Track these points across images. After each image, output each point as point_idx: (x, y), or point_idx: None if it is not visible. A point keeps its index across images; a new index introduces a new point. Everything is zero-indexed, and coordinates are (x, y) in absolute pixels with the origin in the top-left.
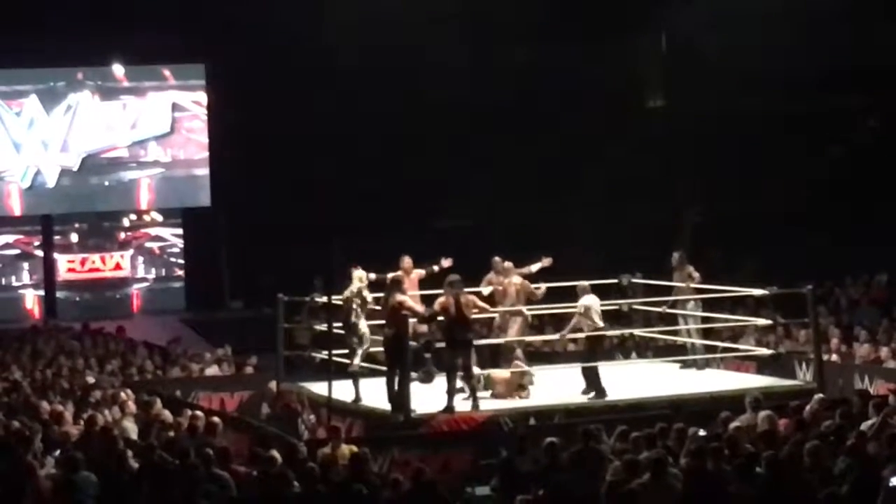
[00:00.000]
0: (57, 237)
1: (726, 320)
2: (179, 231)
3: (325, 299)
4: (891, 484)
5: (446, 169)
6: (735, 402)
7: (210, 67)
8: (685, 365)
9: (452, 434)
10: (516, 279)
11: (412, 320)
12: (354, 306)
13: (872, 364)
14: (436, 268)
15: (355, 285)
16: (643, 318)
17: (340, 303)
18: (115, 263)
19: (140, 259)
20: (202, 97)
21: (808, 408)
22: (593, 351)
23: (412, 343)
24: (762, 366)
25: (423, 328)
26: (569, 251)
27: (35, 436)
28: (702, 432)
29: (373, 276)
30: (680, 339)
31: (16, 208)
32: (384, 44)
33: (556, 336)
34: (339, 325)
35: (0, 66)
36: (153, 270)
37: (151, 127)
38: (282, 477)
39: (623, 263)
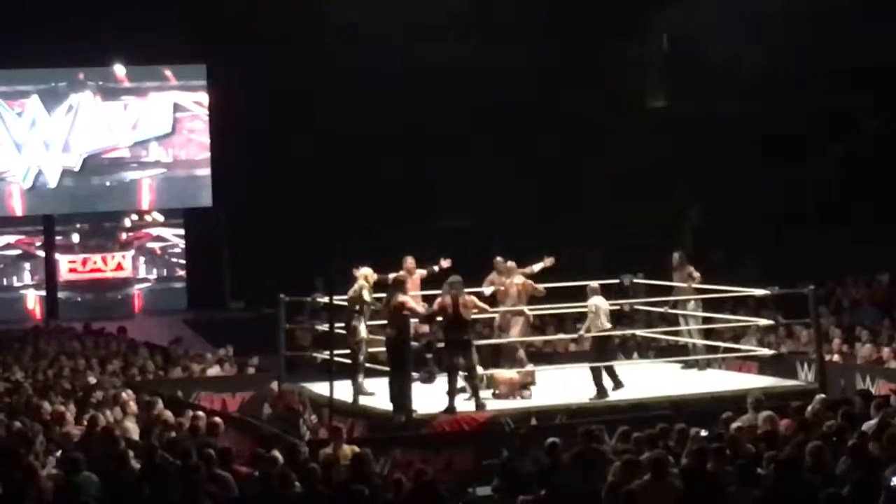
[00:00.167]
0: (58, 237)
1: (728, 320)
2: (181, 231)
3: (326, 299)
4: (892, 484)
5: (446, 169)
6: (736, 403)
7: (211, 68)
8: (686, 365)
9: (454, 435)
10: (518, 279)
11: (413, 321)
12: (356, 308)
13: (874, 364)
14: (436, 268)
15: (358, 285)
16: (644, 318)
17: (342, 303)
18: (117, 264)
19: (141, 259)
20: (203, 97)
21: (809, 408)
22: (601, 351)
23: (413, 343)
24: (764, 366)
25: (425, 328)
26: (569, 251)
27: (36, 436)
28: (703, 433)
29: (375, 276)
30: (681, 340)
31: (17, 208)
32: (384, 44)
33: (573, 336)
34: (341, 325)
35: (1, 66)
36: (154, 271)
37: (153, 127)
38: (283, 477)
39: (624, 264)
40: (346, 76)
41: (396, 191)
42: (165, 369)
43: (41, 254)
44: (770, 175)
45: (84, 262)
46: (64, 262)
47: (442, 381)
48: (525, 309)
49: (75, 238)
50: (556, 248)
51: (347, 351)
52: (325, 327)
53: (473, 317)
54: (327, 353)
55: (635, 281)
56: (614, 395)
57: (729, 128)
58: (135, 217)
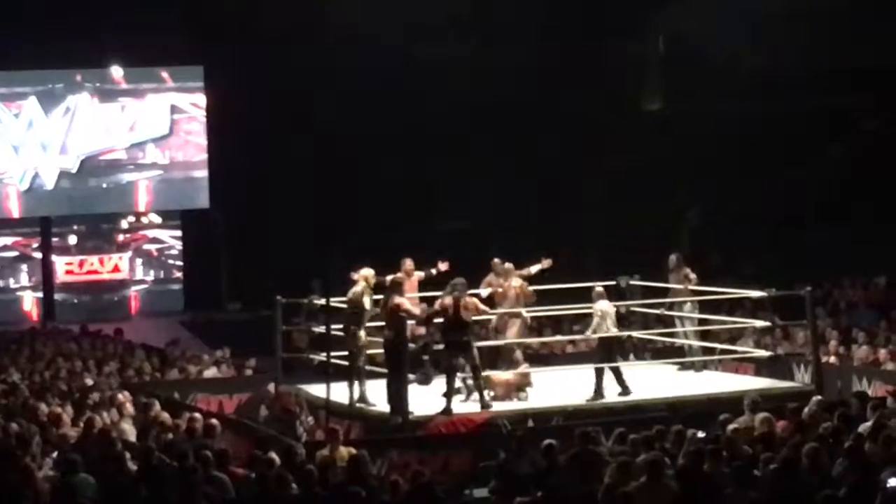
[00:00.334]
0: (55, 239)
1: (724, 322)
2: (178, 233)
3: (323, 301)
4: (889, 485)
5: (446, 170)
6: (733, 404)
7: (209, 69)
8: (683, 367)
9: (451, 436)
10: (516, 281)
11: (410, 322)
12: (356, 311)
13: (871, 366)
14: (433, 271)
15: (359, 287)
16: (641, 319)
17: (339, 305)
18: (114, 265)
19: (138, 261)
20: (201, 99)
21: (806, 410)
22: (608, 353)
23: (410, 345)
24: (760, 368)
25: (422, 330)
26: (567, 252)
27: (33, 438)
28: (700, 434)
29: (375, 278)
30: (678, 341)
31: (14, 210)
32: (384, 44)
33: (570, 338)
34: (338, 327)
35: None
36: (151, 272)
37: (150, 129)
38: (280, 479)
39: (622, 265)
40: (346, 76)
41: (396, 191)
42: (162, 371)
43: (38, 255)
44: (769, 175)
45: (81, 264)
46: (61, 263)
47: (438, 382)
48: (522, 311)
49: (72, 240)
50: (554, 250)
51: (345, 353)
52: (321, 329)
53: (473, 318)
54: (324, 354)
55: (632, 282)
56: (613, 398)
57: (728, 128)
58: (132, 219)
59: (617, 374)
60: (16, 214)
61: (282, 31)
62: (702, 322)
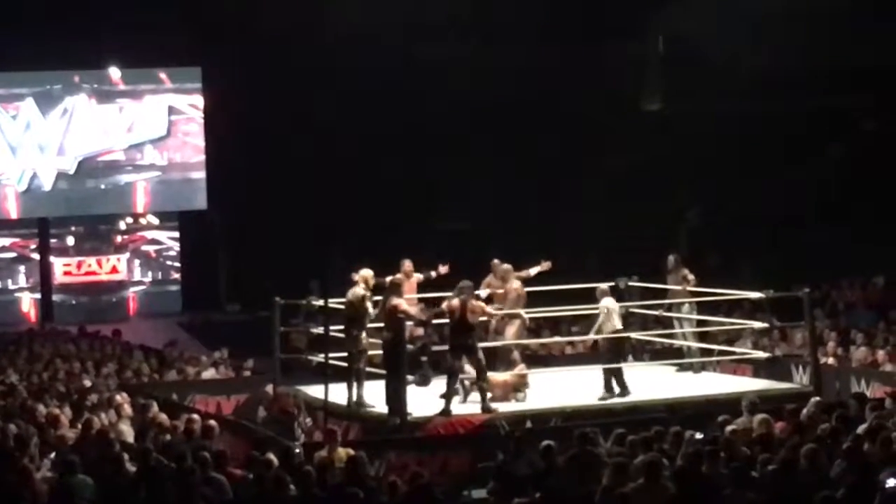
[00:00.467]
0: (53, 240)
1: (722, 323)
2: (176, 234)
3: (321, 302)
4: (887, 486)
5: (446, 170)
6: (731, 406)
7: (206, 70)
8: (681, 368)
9: (449, 437)
10: (515, 283)
11: (409, 323)
12: (356, 314)
13: (869, 367)
14: (433, 274)
15: (361, 290)
16: (640, 320)
17: (339, 306)
18: (112, 267)
19: (136, 262)
20: (198, 100)
21: (804, 411)
22: (616, 352)
23: (409, 346)
24: (758, 369)
25: (420, 331)
26: (567, 254)
27: (31, 439)
28: (698, 435)
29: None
30: (676, 343)
31: (12, 211)
32: (384, 44)
33: (577, 338)
34: (339, 328)
35: None
36: (149, 273)
37: (148, 130)
38: (278, 480)
39: (622, 266)
40: (346, 76)
41: (396, 191)
42: (160, 372)
43: (36, 257)
44: (769, 175)
45: (79, 265)
46: (59, 264)
47: (437, 383)
48: (521, 312)
49: (70, 241)
50: (553, 250)
51: (344, 354)
52: (320, 330)
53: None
54: (322, 355)
55: (630, 284)
56: (612, 399)
57: (728, 128)
58: (130, 220)
59: (618, 374)
60: (14, 215)
61: (281, 32)
62: (700, 323)
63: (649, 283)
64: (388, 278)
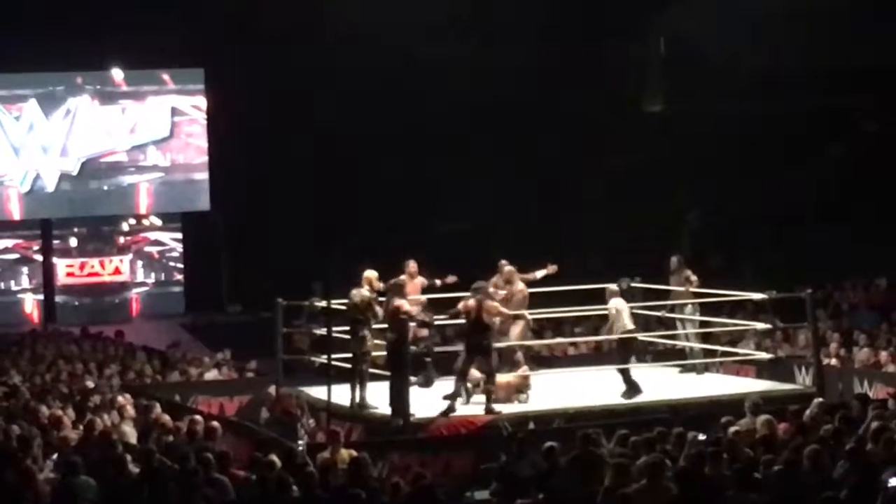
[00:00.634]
0: (56, 241)
1: (725, 324)
2: (178, 235)
3: (324, 303)
4: (890, 486)
5: (446, 170)
6: (734, 407)
7: (209, 71)
8: (684, 369)
9: (452, 438)
10: (519, 284)
11: (412, 325)
12: (366, 315)
13: (872, 368)
14: (438, 282)
15: (365, 290)
16: (642, 322)
17: (340, 307)
18: (115, 268)
19: (139, 263)
20: (201, 101)
21: (807, 412)
22: (627, 351)
23: (412, 347)
24: (761, 370)
25: (424, 332)
26: (569, 254)
27: (34, 440)
28: (701, 437)
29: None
30: (679, 344)
31: (15, 213)
32: (384, 45)
33: (589, 339)
34: (340, 329)
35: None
36: (152, 275)
37: (151, 131)
38: (281, 481)
39: (623, 267)
40: (346, 76)
41: (396, 191)
42: (163, 373)
43: (39, 258)
44: (770, 176)
45: (82, 266)
46: (62, 266)
47: (440, 384)
48: (525, 313)
49: (73, 242)
50: (554, 251)
51: (347, 355)
52: (322, 331)
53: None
54: (325, 356)
55: (633, 285)
56: (613, 399)
57: (729, 128)
58: (132, 221)
59: (625, 375)
60: (17, 217)
61: (282, 32)
62: (703, 324)
63: (652, 284)
64: (392, 281)
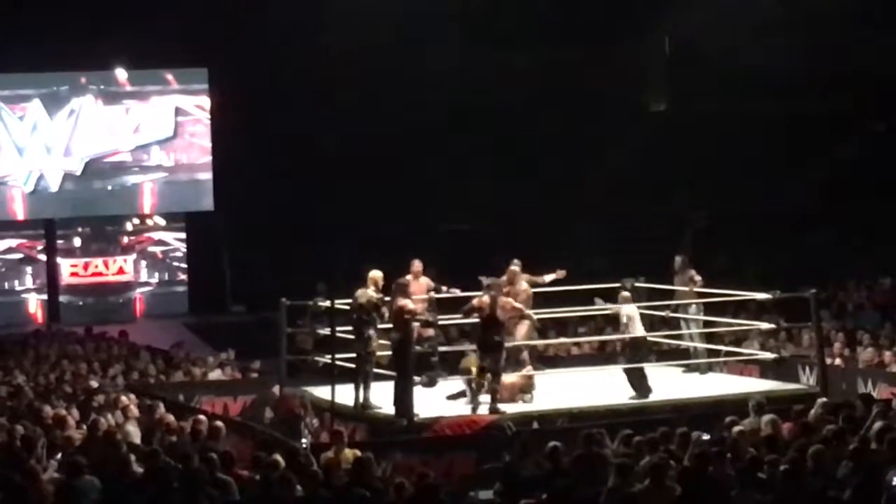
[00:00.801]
0: (60, 241)
1: (729, 324)
2: (182, 235)
3: (328, 303)
4: (894, 485)
5: (447, 171)
6: (738, 407)
7: (213, 71)
8: (688, 369)
9: (455, 438)
10: (523, 284)
11: (416, 324)
12: (373, 316)
13: (876, 368)
14: (444, 289)
15: (371, 290)
16: (647, 321)
17: (344, 307)
18: (118, 268)
19: (143, 263)
20: (205, 101)
21: (811, 412)
22: (637, 354)
23: (417, 347)
24: (765, 370)
25: (429, 332)
26: (569, 255)
27: (38, 440)
28: (705, 436)
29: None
30: (683, 344)
31: (19, 212)
32: (385, 46)
33: (592, 339)
34: (344, 329)
35: (3, 70)
36: (156, 275)
37: (154, 131)
38: (284, 481)
39: (626, 267)
40: (347, 78)
41: (398, 194)
42: (167, 373)
43: (43, 258)
44: (773, 176)
45: (86, 266)
46: (65, 265)
47: (443, 384)
48: (530, 313)
49: (77, 242)
50: (554, 251)
51: (351, 355)
52: (326, 331)
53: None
54: (329, 356)
55: (637, 285)
56: (617, 399)
57: (730, 129)
58: (136, 221)
59: (631, 374)
60: (20, 216)
61: (284, 35)
62: (707, 324)
63: (656, 283)
64: (398, 281)
